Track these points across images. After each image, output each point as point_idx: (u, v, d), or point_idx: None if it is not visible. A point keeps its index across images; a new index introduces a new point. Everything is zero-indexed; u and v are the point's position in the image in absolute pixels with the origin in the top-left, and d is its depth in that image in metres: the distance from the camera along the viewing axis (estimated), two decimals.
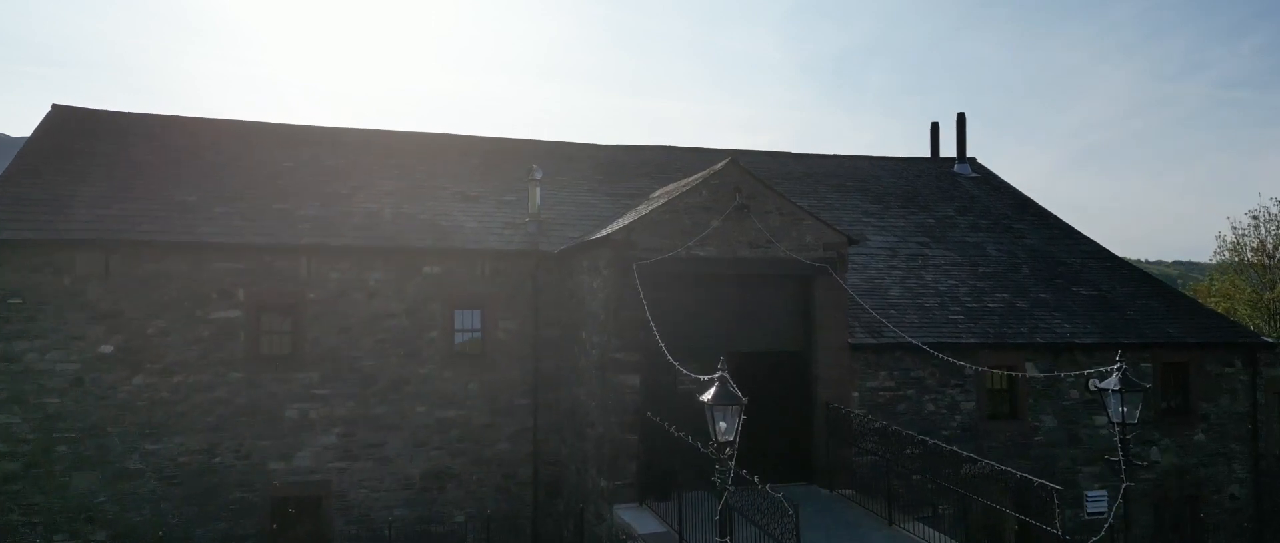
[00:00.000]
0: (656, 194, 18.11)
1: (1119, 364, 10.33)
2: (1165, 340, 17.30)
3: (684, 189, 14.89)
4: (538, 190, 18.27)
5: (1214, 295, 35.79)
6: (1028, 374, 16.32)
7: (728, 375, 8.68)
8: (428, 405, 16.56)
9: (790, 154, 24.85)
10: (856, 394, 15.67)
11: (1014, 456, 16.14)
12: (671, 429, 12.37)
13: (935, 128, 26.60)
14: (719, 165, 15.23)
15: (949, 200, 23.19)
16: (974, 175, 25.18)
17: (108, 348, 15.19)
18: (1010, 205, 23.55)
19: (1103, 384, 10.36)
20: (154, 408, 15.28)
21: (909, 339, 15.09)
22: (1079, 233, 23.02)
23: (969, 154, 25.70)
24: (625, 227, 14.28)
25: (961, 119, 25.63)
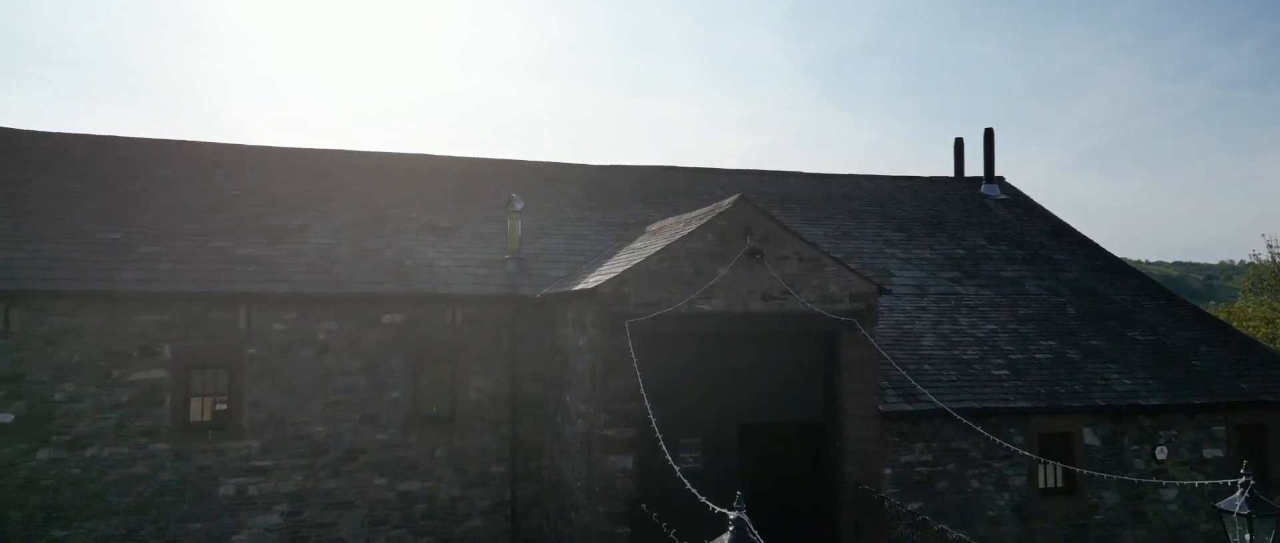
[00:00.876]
0: (653, 228, 15.81)
1: (1244, 476, 8.06)
2: (1239, 399, 15.01)
3: (685, 231, 12.60)
4: (519, 223, 15.96)
5: (1253, 319, 33.54)
6: (1086, 442, 14.04)
7: (747, 521, 6.38)
8: (388, 477, 14.27)
9: (801, 174, 22.55)
10: (889, 471, 13.37)
11: (1071, 538, 13.87)
12: (672, 536, 10.09)
13: (960, 144, 24.31)
14: (726, 202, 12.93)
15: (979, 226, 20.90)
16: (1003, 197, 22.89)
17: (7, 417, 12.88)
18: (1046, 231, 21.26)
19: (1223, 505, 8.09)
20: (62, 487, 12.98)
21: (949, 409, 12.81)
22: (1122, 262, 20.76)
23: (997, 171, 23.45)
24: (615, 278, 11.99)
25: (989, 136, 23.34)
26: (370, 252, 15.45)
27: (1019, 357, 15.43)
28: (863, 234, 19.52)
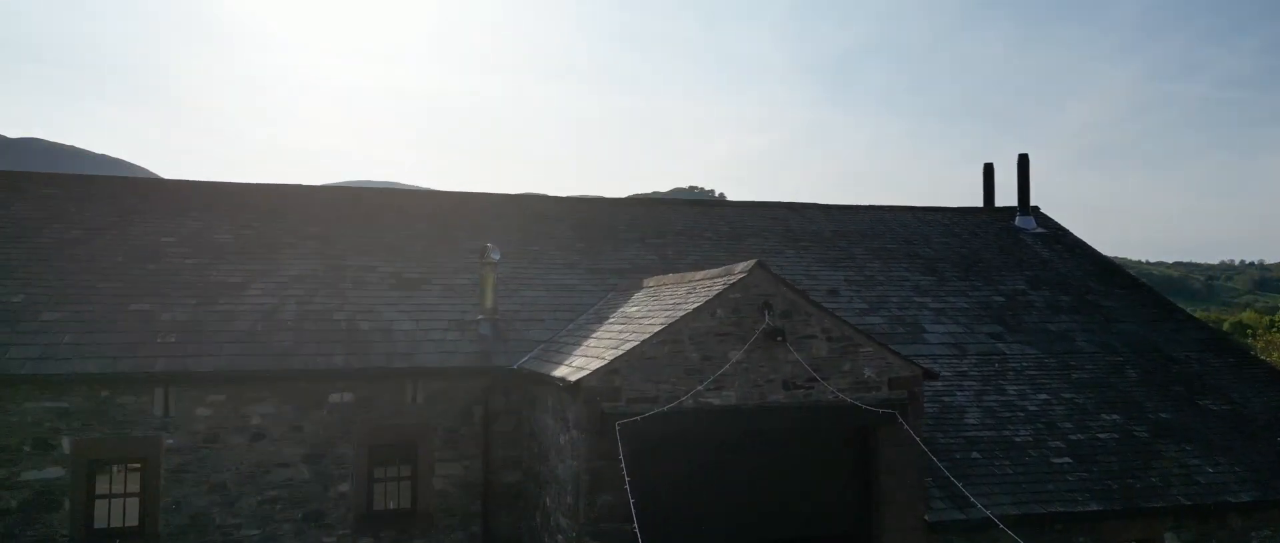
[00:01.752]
0: (650, 284, 13.55)
1: None
2: None
3: (688, 305, 10.32)
4: (494, 277, 13.69)
5: None
6: None
7: None
8: None
9: (818, 207, 20.28)
10: None
11: None
12: None
13: (989, 170, 22.06)
14: (739, 267, 10.65)
15: (1017, 267, 18.63)
16: (1040, 230, 20.62)
17: None
18: (1090, 271, 18.99)
19: None
20: None
21: (1004, 525, 10.54)
22: (1178, 308, 18.52)
23: (1029, 199, 21.19)
24: (604, 367, 9.72)
25: (1023, 163, 21.07)
26: (320, 313, 13.18)
27: (1080, 437, 13.15)
28: (888, 279, 17.25)
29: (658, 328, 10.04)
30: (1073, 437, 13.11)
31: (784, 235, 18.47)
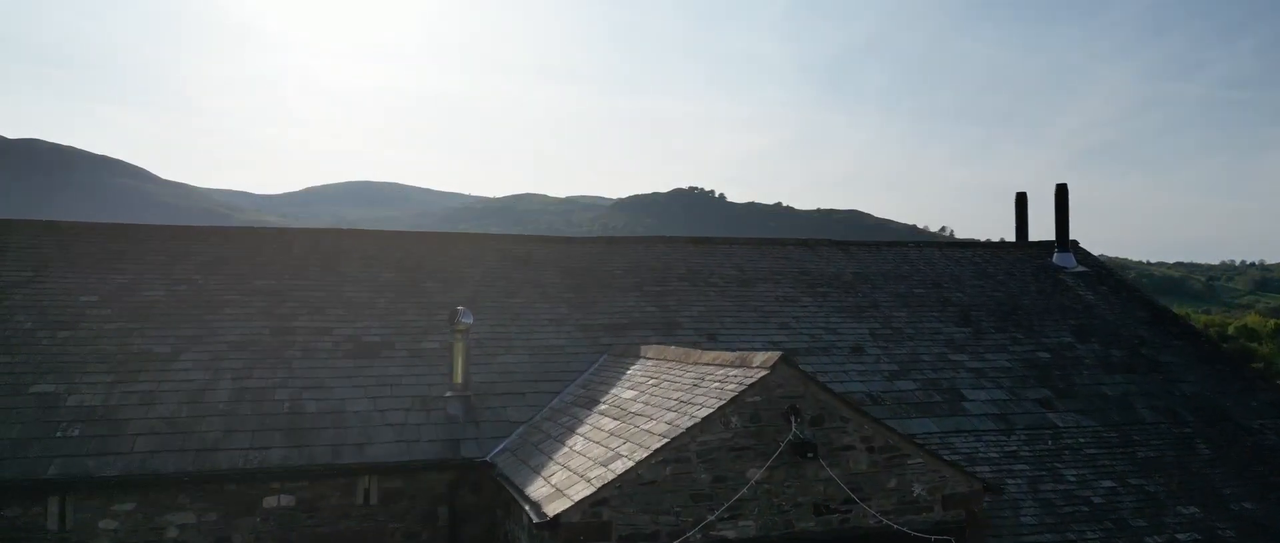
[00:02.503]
0: (650, 355, 11.51)
1: None
2: None
3: (700, 413, 8.29)
4: (464, 346, 11.66)
5: None
6: None
7: None
8: None
9: (835, 244, 18.27)
10: None
11: None
12: None
13: (1022, 201, 20.06)
14: (758, 361, 8.61)
15: (1061, 314, 16.62)
16: (1082, 269, 18.61)
17: None
18: (1141, 318, 16.98)
19: None
20: None
21: None
22: (1243, 364, 16.60)
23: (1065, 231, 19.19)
24: (590, 498, 7.70)
25: (1062, 194, 19.06)
26: (259, 392, 11.16)
27: (1156, 541, 11.14)
28: (918, 332, 15.23)
29: (658, 441, 8.03)
30: (1150, 540, 11.10)
31: (799, 279, 16.47)
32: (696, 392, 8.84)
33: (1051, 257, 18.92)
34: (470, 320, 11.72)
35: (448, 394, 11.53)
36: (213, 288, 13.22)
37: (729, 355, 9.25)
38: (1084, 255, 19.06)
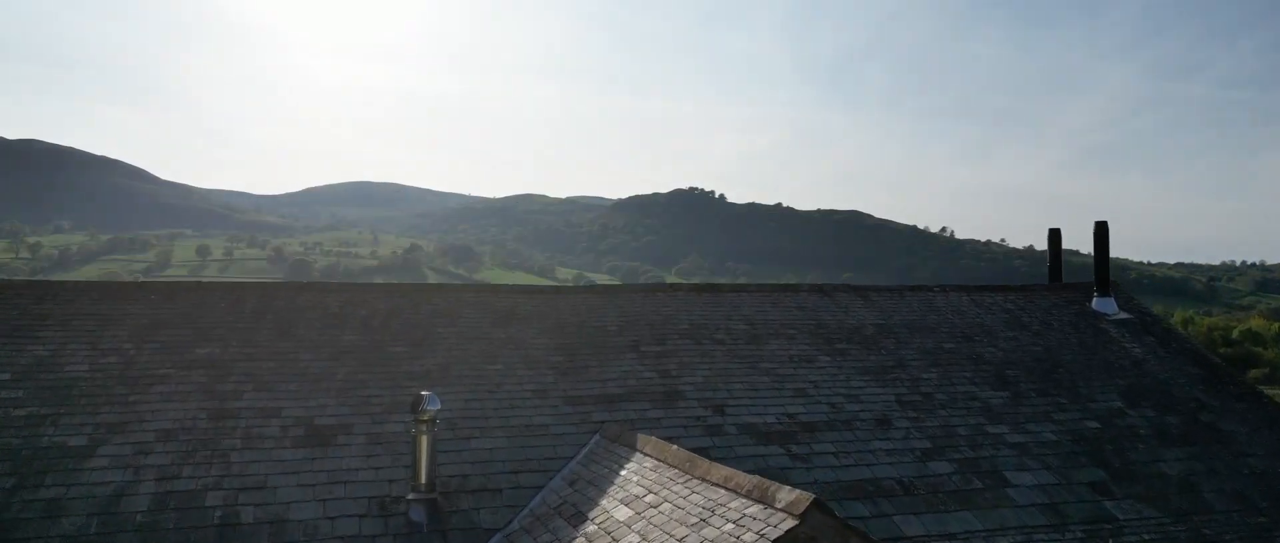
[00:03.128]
0: (647, 452, 9.79)
1: None
2: None
3: None
4: (429, 439, 9.95)
5: None
6: None
7: None
8: None
9: (853, 290, 16.58)
10: None
11: None
12: None
13: (1056, 238, 18.36)
14: (783, 500, 6.87)
15: (1106, 372, 14.91)
16: (1124, 316, 16.90)
17: None
18: (1195, 375, 15.27)
19: None
20: None
21: None
22: None
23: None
24: None
25: (1101, 232, 17.34)
26: (187, 497, 9.46)
27: None
28: (951, 397, 13.52)
29: None
30: None
31: (815, 333, 14.76)
32: (705, 532, 7.12)
33: (1090, 302, 17.21)
34: (437, 407, 10.01)
35: (410, 496, 9.83)
36: (145, 360, 11.51)
37: (745, 480, 7.53)
38: (1128, 302, 17.34)
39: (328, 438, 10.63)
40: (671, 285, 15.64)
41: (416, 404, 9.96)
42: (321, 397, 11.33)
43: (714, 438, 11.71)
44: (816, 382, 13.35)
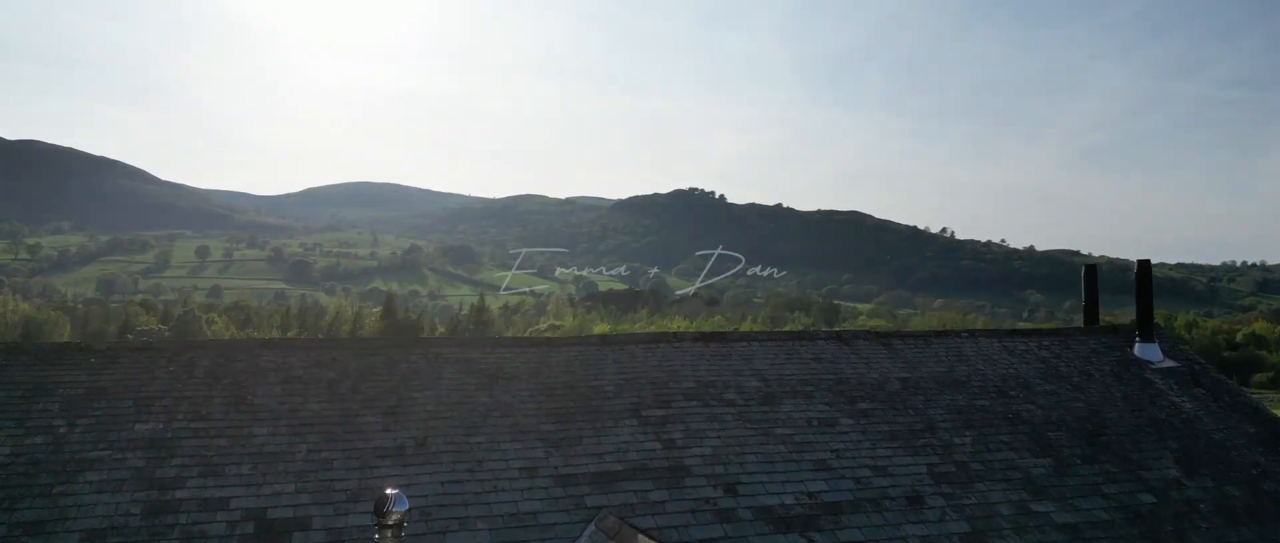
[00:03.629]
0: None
1: None
2: None
3: None
4: None
5: None
6: None
7: None
8: None
9: (875, 336, 15.14)
10: None
11: None
12: None
13: (1091, 274, 16.93)
14: None
15: (1157, 433, 13.49)
16: (1170, 364, 15.48)
17: None
18: (1253, 435, 13.85)
19: None
20: None
21: None
22: None
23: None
24: None
25: (1145, 271, 15.92)
26: None
27: None
28: (987, 466, 12.09)
29: None
30: None
31: (835, 390, 13.33)
32: None
33: (1132, 347, 15.78)
34: (405, 508, 8.57)
35: None
36: (77, 440, 10.09)
37: None
38: (1172, 346, 15.92)
39: (281, 536, 9.20)
40: (675, 334, 14.19)
41: (381, 506, 8.51)
42: (277, 482, 9.91)
43: (726, 525, 10.30)
44: (839, 450, 11.93)
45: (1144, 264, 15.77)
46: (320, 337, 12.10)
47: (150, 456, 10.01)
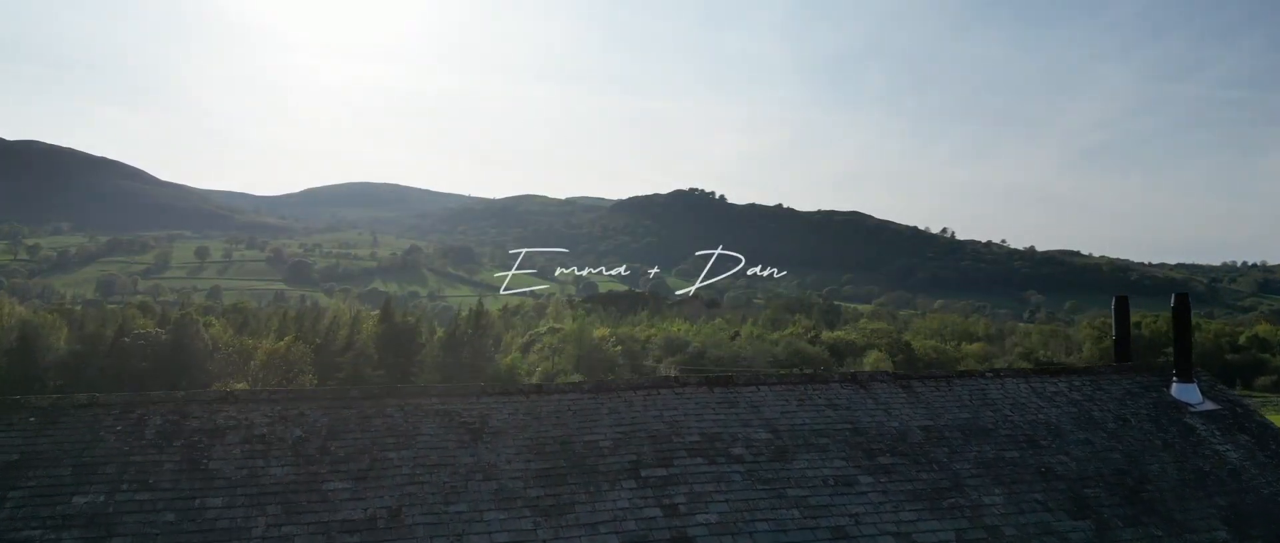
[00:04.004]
0: None
1: None
2: None
3: None
4: None
5: None
6: None
7: None
8: None
9: (894, 380, 13.98)
10: None
11: None
12: None
13: (1123, 305, 15.79)
14: None
15: (1201, 488, 12.36)
16: (1211, 407, 14.34)
17: None
18: None
19: None
20: None
21: None
22: None
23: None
24: None
25: (1182, 305, 14.77)
26: None
27: None
28: (1022, 532, 10.95)
29: None
30: None
31: (852, 443, 12.21)
32: None
33: (1169, 388, 14.65)
34: None
35: None
36: (6, 518, 8.96)
37: None
38: (1210, 385, 14.79)
39: None
40: (677, 380, 13.07)
41: None
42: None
43: None
44: (858, 515, 10.81)
45: (1182, 298, 14.64)
46: (287, 386, 10.85)
47: (86, 536, 8.89)
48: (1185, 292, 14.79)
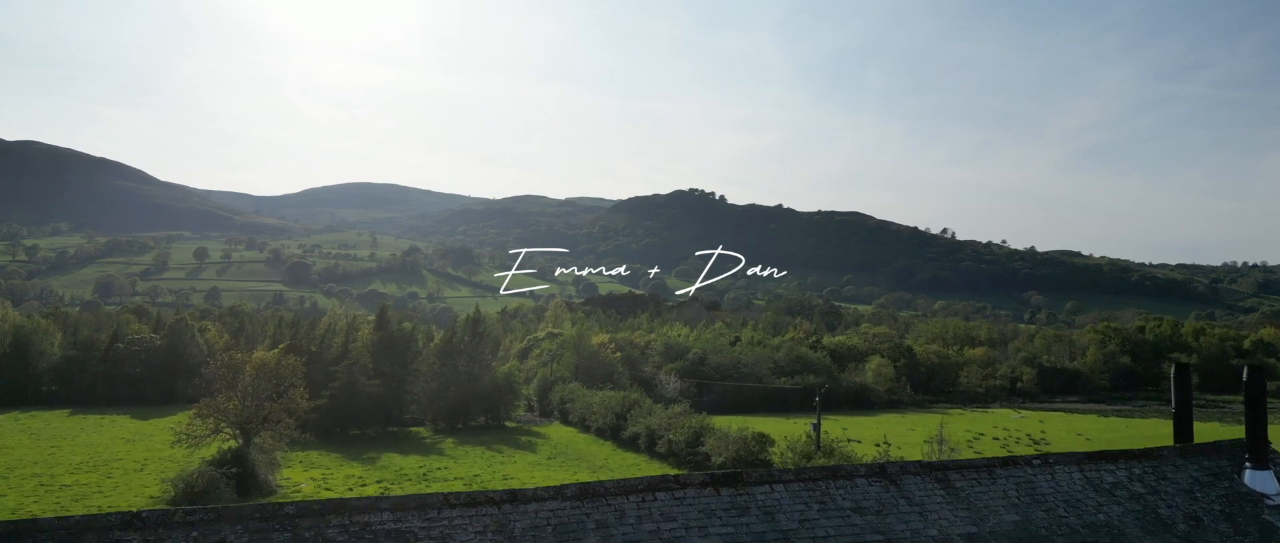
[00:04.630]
0: None
1: None
2: None
3: None
4: None
5: None
6: None
7: None
8: None
9: (926, 469, 11.99)
10: None
11: None
12: None
13: (1182, 376, 13.83)
14: None
15: None
16: None
17: None
18: None
19: None
20: None
21: None
22: None
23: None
24: None
25: (1256, 379, 12.80)
26: None
27: None
28: None
29: None
30: None
31: (868, 534, 10.27)
32: None
33: (1241, 475, 12.72)
34: None
35: None
36: None
37: None
38: None
39: None
40: (677, 479, 11.14)
41: None
42: None
43: None
44: None
45: (1255, 372, 12.68)
46: (214, 506, 9.06)
47: None
48: (1258, 365, 12.86)
